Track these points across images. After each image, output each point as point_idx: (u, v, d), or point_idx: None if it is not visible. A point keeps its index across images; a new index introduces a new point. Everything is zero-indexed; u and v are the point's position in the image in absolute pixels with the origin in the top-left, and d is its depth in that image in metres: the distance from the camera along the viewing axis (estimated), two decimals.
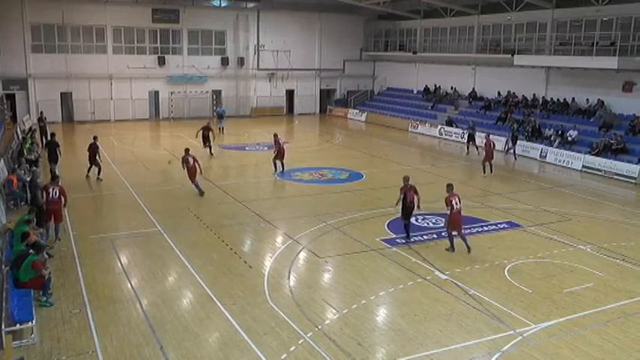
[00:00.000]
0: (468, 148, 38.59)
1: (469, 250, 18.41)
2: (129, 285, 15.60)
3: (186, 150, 25.78)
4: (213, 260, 17.52)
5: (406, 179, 19.69)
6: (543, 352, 12.47)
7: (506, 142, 36.61)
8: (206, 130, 34.89)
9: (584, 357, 12.40)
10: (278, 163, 29.68)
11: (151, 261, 17.45)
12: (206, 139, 34.67)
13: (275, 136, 30.45)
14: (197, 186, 25.26)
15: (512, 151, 36.16)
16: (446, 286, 15.86)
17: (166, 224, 20.81)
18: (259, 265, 17.20)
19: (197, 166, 25.36)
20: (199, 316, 13.80)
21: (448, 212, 18.39)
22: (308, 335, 12.85)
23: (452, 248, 18.61)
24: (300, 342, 12.58)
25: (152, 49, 50.46)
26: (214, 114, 47.02)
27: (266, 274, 16.51)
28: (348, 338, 12.81)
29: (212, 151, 34.55)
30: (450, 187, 18.96)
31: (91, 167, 27.96)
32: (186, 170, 25.35)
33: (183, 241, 19.13)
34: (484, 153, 31.06)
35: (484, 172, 30.84)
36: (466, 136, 39.66)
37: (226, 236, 19.74)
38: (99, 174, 27.75)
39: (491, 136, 32.23)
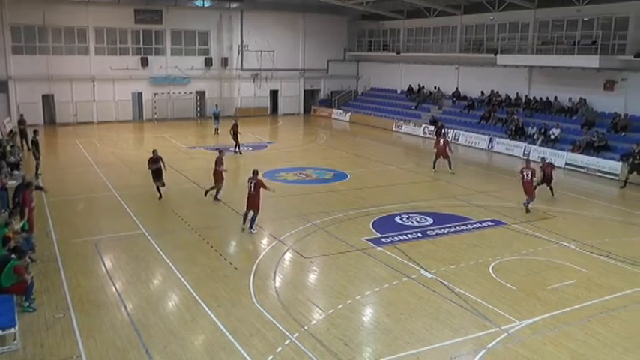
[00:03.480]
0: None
1: None
2: (113, 288, 15.46)
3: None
4: (198, 262, 17.40)
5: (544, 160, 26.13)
6: (528, 348, 12.55)
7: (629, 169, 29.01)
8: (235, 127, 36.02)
9: (568, 352, 12.50)
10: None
11: (136, 264, 17.31)
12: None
13: (218, 160, 24.59)
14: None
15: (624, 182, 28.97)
16: (431, 285, 15.89)
17: (150, 227, 20.68)
18: (244, 267, 17.11)
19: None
20: (185, 319, 13.70)
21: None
22: (294, 336, 12.82)
23: None
24: (286, 342, 12.53)
25: (135, 49, 50.08)
26: (212, 114, 45.92)
27: (251, 275, 16.43)
28: (335, 338, 12.79)
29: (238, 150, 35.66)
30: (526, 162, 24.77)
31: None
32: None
33: (167, 243, 19.00)
34: (435, 150, 31.56)
35: (434, 169, 31.28)
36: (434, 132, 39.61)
37: (211, 238, 19.64)
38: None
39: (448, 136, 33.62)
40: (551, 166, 26.07)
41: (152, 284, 16.11)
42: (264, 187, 20.17)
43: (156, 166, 24.49)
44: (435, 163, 31.12)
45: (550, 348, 12.63)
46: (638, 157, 27.92)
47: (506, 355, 12.30)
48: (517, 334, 13.23)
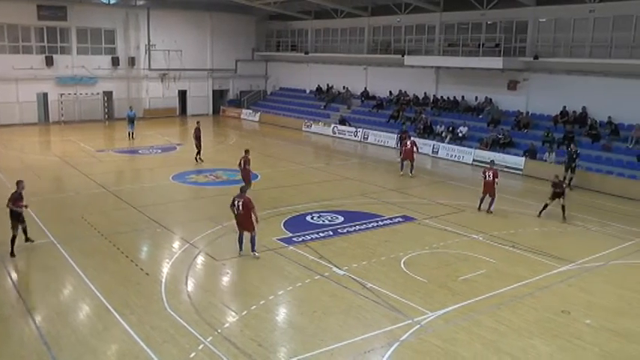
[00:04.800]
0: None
1: None
2: (20, 301, 14.72)
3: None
4: (108, 269, 16.86)
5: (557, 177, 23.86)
6: (441, 338, 12.85)
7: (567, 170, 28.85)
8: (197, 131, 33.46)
9: (479, 339, 12.90)
10: None
11: (44, 274, 16.59)
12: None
13: (245, 160, 25.30)
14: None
15: (568, 181, 28.36)
16: (344, 282, 16.00)
17: (59, 234, 19.81)
18: (156, 272, 16.73)
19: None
20: (96, 329, 13.22)
21: None
22: (208, 340, 12.62)
23: None
24: (200, 347, 12.33)
25: (39, 48, 47.92)
26: (127, 117, 42.70)
27: (163, 280, 16.07)
28: (249, 340, 12.68)
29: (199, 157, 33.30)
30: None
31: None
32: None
33: (77, 251, 18.28)
34: (402, 152, 30.96)
35: (401, 170, 30.79)
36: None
37: (122, 244, 19.06)
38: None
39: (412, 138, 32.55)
40: (562, 183, 24.15)
41: (62, 294, 15.45)
42: (252, 210, 17.47)
43: (20, 204, 17.85)
44: (402, 165, 30.84)
45: (462, 337, 13.00)
46: (575, 157, 28.49)
47: (420, 346, 12.53)
48: (429, 325, 13.52)
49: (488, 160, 26.43)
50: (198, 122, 34.55)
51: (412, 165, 30.65)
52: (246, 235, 17.87)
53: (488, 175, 23.57)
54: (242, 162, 25.16)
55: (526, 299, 15.17)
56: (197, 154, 33.09)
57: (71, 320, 13.67)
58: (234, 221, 18.04)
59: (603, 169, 29.45)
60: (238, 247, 17.97)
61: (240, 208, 17.51)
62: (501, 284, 16.07)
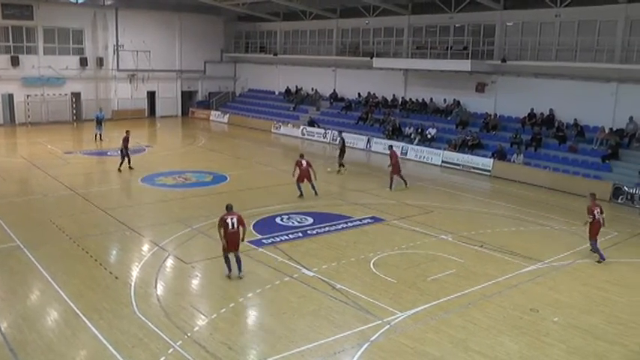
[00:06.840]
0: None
1: None
2: None
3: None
4: (77, 273, 16.61)
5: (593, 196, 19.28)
6: (410, 338, 12.92)
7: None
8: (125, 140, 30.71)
9: (449, 338, 12.99)
10: None
11: (11, 278, 16.27)
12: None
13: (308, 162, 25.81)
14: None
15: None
16: (313, 283, 16.00)
17: (26, 238, 19.44)
18: (125, 276, 16.53)
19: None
20: (65, 334, 13.01)
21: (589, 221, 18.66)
22: (177, 344, 12.51)
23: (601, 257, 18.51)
24: (169, 351, 12.22)
25: (4, 48, 47.04)
26: (95, 118, 41.62)
27: (132, 284, 15.89)
28: (219, 343, 12.61)
29: (124, 165, 30.82)
30: (592, 195, 19.19)
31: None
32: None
33: (45, 255, 17.98)
34: (391, 166, 27.91)
35: (390, 188, 27.71)
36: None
37: (90, 247, 18.80)
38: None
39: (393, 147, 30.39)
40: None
41: (29, 300, 15.19)
42: (243, 226, 16.52)
43: None
44: (391, 181, 28.12)
45: (431, 336, 13.07)
46: None
47: (389, 346, 12.59)
48: (399, 325, 13.58)
49: (588, 193, 19.72)
50: (127, 131, 31.22)
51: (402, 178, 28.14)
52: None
53: (598, 213, 18.69)
54: (305, 162, 25.53)
55: (495, 298, 15.32)
56: (121, 164, 30.64)
57: (39, 326, 13.43)
58: (225, 241, 16.37)
59: (570, 170, 29.83)
60: (227, 269, 16.51)
61: (236, 225, 16.25)
62: (470, 284, 16.21)
